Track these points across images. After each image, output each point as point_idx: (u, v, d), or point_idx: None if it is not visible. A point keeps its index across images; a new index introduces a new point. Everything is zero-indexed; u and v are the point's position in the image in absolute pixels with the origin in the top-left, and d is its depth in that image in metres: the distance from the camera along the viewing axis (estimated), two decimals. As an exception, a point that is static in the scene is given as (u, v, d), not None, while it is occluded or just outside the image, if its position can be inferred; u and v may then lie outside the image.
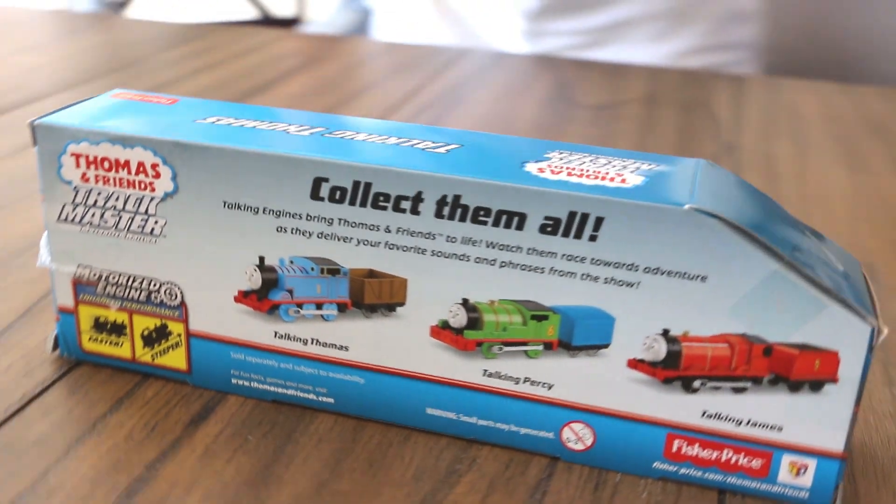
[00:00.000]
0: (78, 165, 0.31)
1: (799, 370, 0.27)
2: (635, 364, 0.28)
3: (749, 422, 0.28)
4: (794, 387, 0.27)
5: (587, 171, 0.28)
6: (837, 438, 0.27)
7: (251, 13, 1.71)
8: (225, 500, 0.28)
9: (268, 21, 1.55)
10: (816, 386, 0.27)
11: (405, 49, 0.85)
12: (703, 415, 0.28)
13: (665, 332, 0.28)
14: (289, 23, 1.48)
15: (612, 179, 0.28)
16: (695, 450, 0.29)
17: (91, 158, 0.31)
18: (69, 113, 0.32)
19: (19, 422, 0.31)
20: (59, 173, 0.31)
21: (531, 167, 0.29)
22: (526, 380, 0.30)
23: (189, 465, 0.29)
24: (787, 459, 0.28)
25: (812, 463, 0.28)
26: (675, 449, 0.29)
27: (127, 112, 0.32)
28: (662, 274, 0.27)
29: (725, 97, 0.73)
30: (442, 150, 0.30)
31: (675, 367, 0.28)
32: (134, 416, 0.31)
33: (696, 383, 0.28)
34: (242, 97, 0.67)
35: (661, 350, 0.28)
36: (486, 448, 0.31)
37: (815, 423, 0.27)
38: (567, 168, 0.29)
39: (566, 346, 0.29)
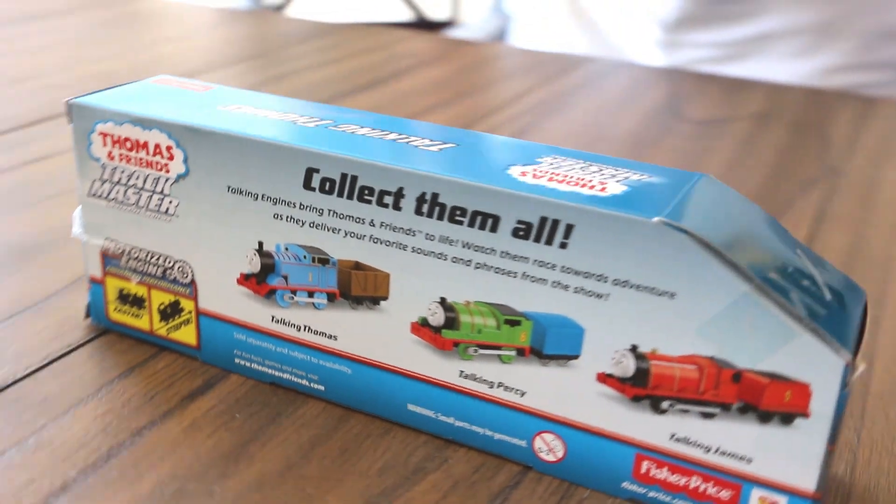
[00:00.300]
0: (105, 144, 0.33)
1: (769, 400, 0.26)
2: (604, 378, 0.28)
3: (718, 450, 0.27)
4: (764, 417, 0.26)
5: (571, 177, 0.28)
6: (809, 476, 0.26)
7: (407, 15, 1.75)
8: (193, 471, 0.29)
9: (421, 23, 1.58)
10: (787, 419, 0.25)
11: (526, 54, 0.85)
12: (672, 437, 0.27)
13: (634, 348, 0.27)
14: (440, 26, 1.50)
15: (591, 187, 0.27)
16: (664, 473, 0.28)
17: (116, 138, 0.33)
18: (105, 95, 0.34)
19: (34, 380, 0.33)
20: (89, 150, 0.33)
21: (515, 170, 0.28)
22: (500, 384, 0.29)
23: (171, 436, 0.30)
24: (756, 493, 0.27)
25: (783, 500, 0.26)
26: (643, 470, 0.28)
27: (156, 96, 0.34)
28: (631, 287, 0.26)
29: (845, 119, 0.69)
30: (435, 148, 0.30)
31: (643, 385, 0.27)
32: (138, 384, 0.33)
33: (665, 404, 0.27)
34: (352, 91, 0.69)
35: (629, 366, 0.27)
36: (461, 450, 0.31)
37: (785, 457, 0.26)
38: (552, 173, 0.28)
39: (538, 353, 0.28)
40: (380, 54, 0.82)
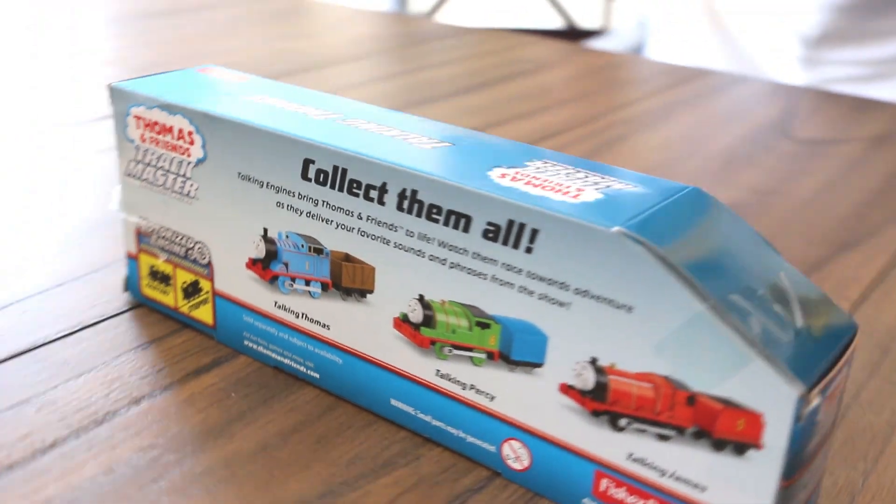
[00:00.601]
0: (138, 127, 0.35)
1: (722, 427, 0.24)
2: (566, 390, 0.27)
3: (673, 474, 0.26)
4: (718, 445, 0.25)
5: (549, 182, 0.27)
6: (762, 513, 0.24)
7: (558, 23, 1.74)
8: (173, 443, 0.30)
9: (570, 32, 1.57)
10: (741, 449, 0.24)
11: (643, 64, 0.83)
12: (629, 457, 0.26)
13: (593, 361, 0.26)
14: (587, 34, 1.49)
15: (565, 193, 0.27)
16: (622, 493, 0.27)
17: (147, 121, 0.34)
18: (143, 81, 0.35)
19: (61, 344, 0.35)
20: (126, 132, 0.35)
21: (496, 172, 0.28)
22: (472, 387, 0.29)
23: (164, 408, 0.32)
24: (710, 525, 0.25)
25: (736, 535, 0.25)
26: (602, 488, 0.27)
27: (191, 83, 0.35)
28: (592, 298, 0.26)
29: (972, 146, 0.64)
30: (429, 146, 0.30)
31: (602, 399, 0.26)
32: (151, 357, 0.35)
33: (623, 421, 0.26)
34: (456, 93, 0.70)
35: (589, 379, 0.26)
36: (437, 449, 0.31)
37: (739, 490, 0.25)
38: (532, 177, 0.28)
39: (505, 358, 0.28)
40: (497, 58, 0.82)
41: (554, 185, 0.27)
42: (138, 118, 0.35)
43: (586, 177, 0.28)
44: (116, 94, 0.35)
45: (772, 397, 0.23)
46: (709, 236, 0.26)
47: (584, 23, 1.78)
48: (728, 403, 0.24)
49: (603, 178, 0.28)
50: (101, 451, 0.29)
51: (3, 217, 0.46)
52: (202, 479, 0.28)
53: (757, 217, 0.50)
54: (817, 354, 0.24)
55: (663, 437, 0.25)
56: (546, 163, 0.29)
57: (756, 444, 0.24)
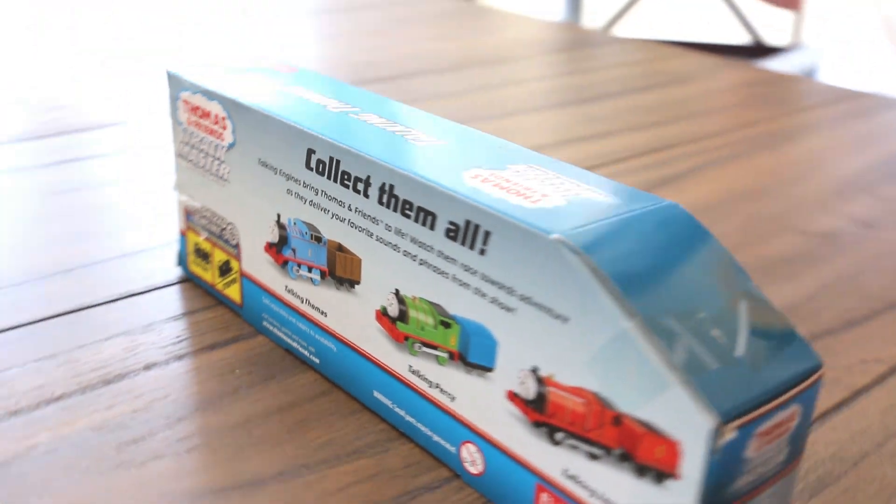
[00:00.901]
0: (185, 110, 0.37)
1: (642, 453, 0.23)
2: (513, 397, 0.26)
3: (602, 496, 0.25)
4: (640, 470, 0.23)
5: (518, 186, 0.27)
6: (678, 547, 0.23)
7: (745, 39, 1.68)
8: (163, 409, 0.32)
9: (755, 48, 1.50)
10: (660, 476, 0.23)
11: (790, 82, 0.79)
12: (564, 473, 0.26)
13: (534, 370, 0.26)
14: (771, 51, 1.42)
15: (526, 197, 0.26)
16: (559, 510, 0.26)
17: (192, 105, 0.36)
18: (195, 68, 0.37)
19: (105, 308, 0.38)
20: (177, 115, 0.37)
21: (472, 172, 0.28)
22: (437, 385, 0.29)
23: (169, 375, 0.34)
24: (633, 553, 0.24)
25: (657, 567, 0.24)
26: (542, 502, 0.26)
27: (236, 73, 0.37)
28: (533, 305, 0.25)
29: None
30: (422, 143, 0.30)
31: (541, 411, 0.26)
32: (177, 329, 0.37)
33: (559, 435, 0.25)
34: (573, 101, 0.69)
35: (531, 388, 0.26)
36: (409, 445, 0.31)
37: (659, 520, 0.23)
38: (504, 179, 0.27)
39: (463, 359, 0.28)
40: (638, 69, 0.81)
41: (522, 188, 0.27)
42: (185, 102, 0.37)
43: (562, 183, 0.27)
44: (171, 80, 0.37)
45: (687, 426, 0.22)
46: (662, 254, 0.25)
47: (772, 40, 1.70)
48: (649, 428, 0.23)
49: (579, 185, 0.27)
50: (97, 410, 0.31)
51: (96, 190, 0.49)
52: (176, 444, 0.30)
53: (844, 248, 0.47)
54: (751, 386, 0.23)
55: (593, 456, 0.25)
56: (531, 167, 0.28)
57: (673, 474, 0.23)
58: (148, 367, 0.34)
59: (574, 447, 0.25)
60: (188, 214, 0.39)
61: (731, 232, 0.48)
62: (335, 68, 0.75)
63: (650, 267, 0.24)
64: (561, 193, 0.27)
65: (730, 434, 0.22)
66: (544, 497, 0.26)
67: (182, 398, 0.32)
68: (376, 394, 0.32)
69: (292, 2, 1.01)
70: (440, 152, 0.29)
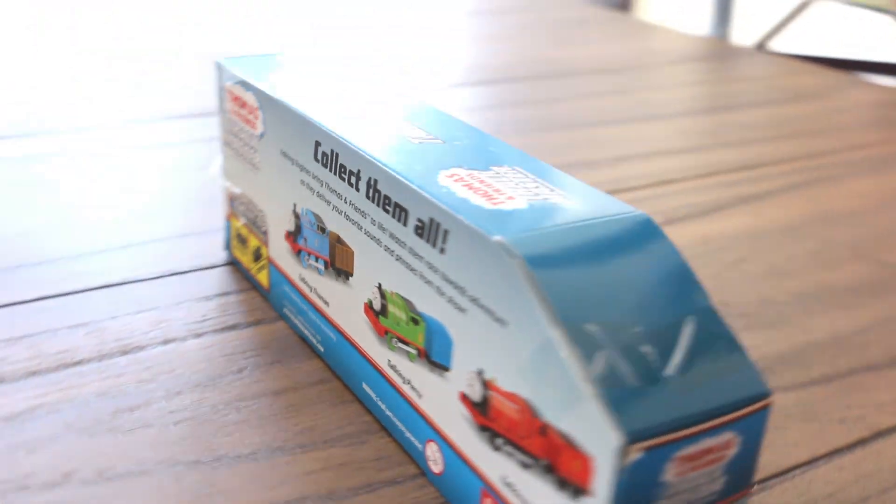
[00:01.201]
0: (229, 100, 0.38)
1: (563, 465, 0.23)
2: (463, 399, 0.26)
3: (531, 507, 0.24)
4: (561, 483, 0.23)
5: (489, 187, 0.27)
6: (591, 567, 0.22)
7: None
8: (166, 385, 0.33)
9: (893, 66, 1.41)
10: (576, 492, 0.22)
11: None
12: (503, 480, 0.25)
13: (480, 373, 0.25)
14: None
15: (490, 198, 0.26)
16: (499, 517, 0.26)
17: (233, 95, 0.38)
18: (244, 59, 0.39)
19: (146, 284, 0.40)
20: (223, 104, 0.39)
21: (449, 171, 0.28)
22: (408, 381, 0.29)
23: (183, 352, 0.35)
24: (555, 568, 0.24)
25: (574, 585, 0.23)
26: (486, 508, 0.26)
27: (280, 65, 0.38)
28: (480, 307, 0.25)
29: None
30: (416, 141, 0.30)
31: (485, 414, 0.25)
32: (205, 308, 0.38)
33: (498, 441, 0.25)
34: (677, 113, 0.67)
35: (477, 391, 0.26)
36: (386, 438, 0.31)
37: (576, 536, 0.23)
38: (477, 180, 0.27)
39: (427, 357, 0.28)
40: (757, 84, 0.78)
41: (491, 190, 0.27)
42: (229, 91, 0.38)
43: (536, 187, 0.27)
44: (219, 70, 0.39)
45: (598, 441, 0.21)
46: (609, 265, 0.24)
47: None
48: (567, 441, 0.22)
49: (552, 190, 0.27)
50: (108, 377, 0.33)
51: (154, 175, 0.52)
52: (167, 416, 0.31)
53: (870, 292, 0.44)
54: (673, 408, 0.22)
55: (525, 465, 0.24)
56: (513, 170, 0.28)
57: (585, 490, 0.22)
58: (166, 342, 0.36)
59: (510, 454, 0.25)
60: (231, 200, 0.40)
61: (800, 254, 0.46)
62: (487, 69, 0.76)
63: (592, 276, 0.23)
64: (528, 197, 0.26)
65: (635, 454, 0.21)
66: (488, 502, 0.26)
67: (187, 374, 0.34)
68: (364, 385, 0.32)
69: (453, 3, 1.03)
70: (428, 151, 0.29)
